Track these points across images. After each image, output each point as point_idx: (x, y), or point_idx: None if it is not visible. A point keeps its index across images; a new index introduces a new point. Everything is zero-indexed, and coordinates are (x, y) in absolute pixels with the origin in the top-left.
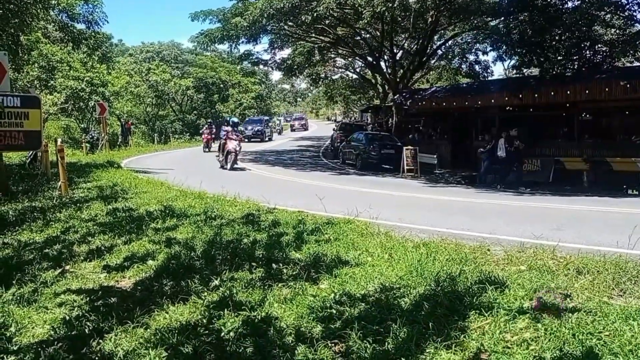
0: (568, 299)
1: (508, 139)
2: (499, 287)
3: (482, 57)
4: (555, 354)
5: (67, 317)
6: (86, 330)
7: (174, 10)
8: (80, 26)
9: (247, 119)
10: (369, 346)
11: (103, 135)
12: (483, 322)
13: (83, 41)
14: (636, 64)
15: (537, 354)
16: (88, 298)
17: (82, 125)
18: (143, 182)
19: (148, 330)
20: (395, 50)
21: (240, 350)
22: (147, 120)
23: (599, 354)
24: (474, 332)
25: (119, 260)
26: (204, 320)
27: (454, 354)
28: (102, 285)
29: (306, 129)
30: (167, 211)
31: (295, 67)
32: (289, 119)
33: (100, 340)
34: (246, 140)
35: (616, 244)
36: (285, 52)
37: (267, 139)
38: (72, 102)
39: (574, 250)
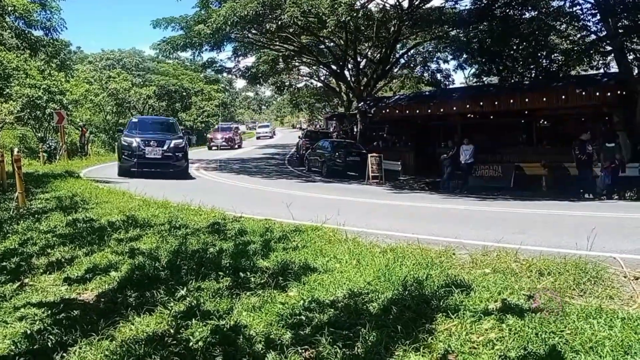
0: (531, 300)
1: (580, 145)
2: (465, 290)
3: (443, 66)
4: (519, 353)
5: (29, 331)
6: (49, 344)
7: (135, 18)
8: (38, 33)
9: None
10: (339, 351)
11: (61, 144)
12: (450, 324)
13: (41, 48)
14: (591, 72)
15: (502, 354)
16: (49, 311)
17: (39, 134)
18: (104, 192)
19: (113, 342)
20: (359, 59)
21: (210, 359)
22: (107, 129)
23: (562, 352)
24: (442, 334)
25: (81, 272)
26: (171, 331)
27: (422, 356)
28: (63, 298)
29: (235, 147)
30: (130, 221)
31: (260, 75)
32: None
33: (64, 354)
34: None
35: (575, 246)
36: (250, 60)
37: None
38: (29, 110)
39: (535, 252)
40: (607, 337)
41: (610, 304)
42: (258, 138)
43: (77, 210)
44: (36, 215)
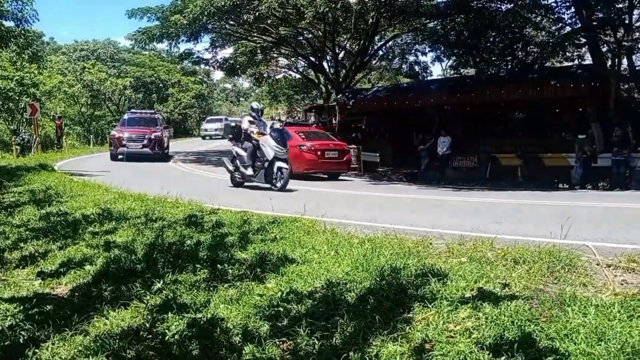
0: (507, 288)
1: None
2: (442, 279)
3: (421, 58)
4: (496, 341)
5: (0, 327)
6: (21, 340)
7: (110, 8)
8: (9, 24)
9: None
10: (316, 342)
11: (35, 137)
12: (427, 313)
13: (12, 39)
14: (565, 64)
15: (479, 342)
16: (22, 306)
17: (12, 127)
18: (79, 185)
19: (87, 337)
20: (337, 51)
21: (186, 353)
22: (82, 121)
23: (537, 339)
24: (419, 324)
25: (55, 267)
26: (147, 325)
27: (400, 345)
28: (36, 293)
29: (155, 152)
30: (105, 214)
31: (238, 66)
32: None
33: (36, 350)
34: None
35: (549, 235)
36: (227, 51)
37: None
38: (1, 102)
39: (510, 241)
40: (581, 325)
41: (584, 291)
42: (204, 138)
43: (50, 204)
44: (9, 209)
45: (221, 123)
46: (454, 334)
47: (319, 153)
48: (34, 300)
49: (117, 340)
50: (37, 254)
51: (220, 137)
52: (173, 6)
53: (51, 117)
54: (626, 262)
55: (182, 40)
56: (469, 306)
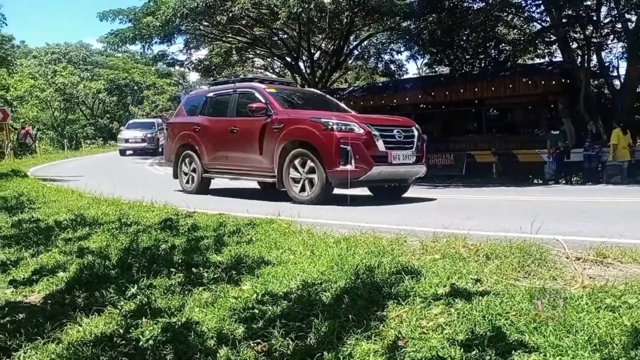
0: (478, 283)
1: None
2: (415, 276)
3: (396, 57)
4: (467, 336)
5: None
6: None
7: (81, 9)
8: None
9: None
10: (291, 343)
11: (7, 142)
12: (401, 310)
13: None
14: (537, 60)
15: (450, 337)
16: None
17: None
18: (52, 191)
19: (60, 345)
20: (313, 51)
21: (160, 358)
22: (56, 125)
23: (507, 333)
24: (392, 321)
25: (27, 274)
26: (121, 330)
27: (374, 343)
28: (8, 301)
29: None
30: (79, 220)
31: (213, 67)
32: None
33: (7, 359)
34: None
35: (521, 230)
36: (202, 53)
37: None
38: None
39: (483, 237)
40: (550, 317)
41: (553, 284)
42: (124, 153)
43: (23, 211)
44: None
45: (151, 130)
46: (427, 330)
47: None
48: (6, 309)
49: (90, 347)
50: (8, 262)
51: (151, 151)
52: (145, 8)
53: (18, 129)
54: (595, 255)
55: (156, 42)
56: (441, 302)
